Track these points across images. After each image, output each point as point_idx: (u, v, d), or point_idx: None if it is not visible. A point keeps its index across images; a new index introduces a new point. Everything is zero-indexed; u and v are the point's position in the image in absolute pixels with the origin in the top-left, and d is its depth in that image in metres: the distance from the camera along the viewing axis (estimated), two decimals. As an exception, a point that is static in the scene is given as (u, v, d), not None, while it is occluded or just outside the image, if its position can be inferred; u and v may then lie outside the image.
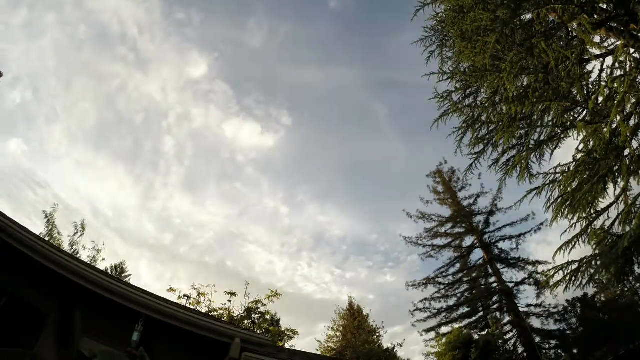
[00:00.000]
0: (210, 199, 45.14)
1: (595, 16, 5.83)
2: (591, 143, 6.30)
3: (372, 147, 40.64)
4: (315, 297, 41.81)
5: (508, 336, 20.21)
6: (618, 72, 5.99)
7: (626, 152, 5.92)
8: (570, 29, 6.17)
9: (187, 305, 18.60)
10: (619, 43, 5.83)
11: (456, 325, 20.57)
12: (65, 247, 20.15)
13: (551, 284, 6.93)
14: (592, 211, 6.45)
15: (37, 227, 19.91)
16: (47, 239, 17.73)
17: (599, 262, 6.11)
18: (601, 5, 5.89)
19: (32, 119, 36.70)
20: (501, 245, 21.19)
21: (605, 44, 6.07)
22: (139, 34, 36.37)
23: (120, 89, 38.92)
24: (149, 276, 37.92)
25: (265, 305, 22.16)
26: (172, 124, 41.89)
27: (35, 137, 38.03)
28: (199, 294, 21.39)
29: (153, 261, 41.61)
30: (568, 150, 6.61)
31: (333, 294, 44.90)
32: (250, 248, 45.27)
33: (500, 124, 6.81)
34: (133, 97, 39.03)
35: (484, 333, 20.11)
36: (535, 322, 19.73)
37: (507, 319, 20.27)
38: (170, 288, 21.08)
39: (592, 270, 6.24)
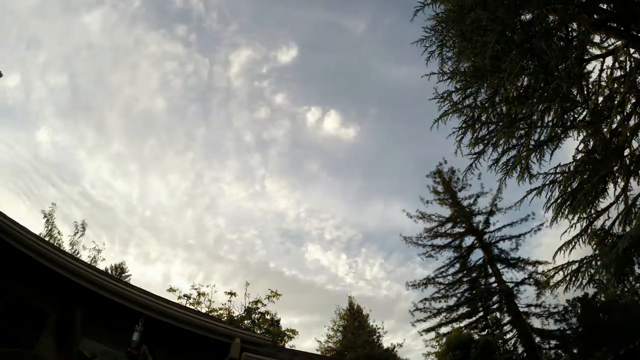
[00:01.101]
0: (267, 195, 43.74)
1: (595, 16, 5.83)
2: (591, 143, 6.30)
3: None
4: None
5: (508, 336, 20.23)
6: (618, 72, 6.00)
7: (626, 152, 5.93)
8: (570, 29, 6.17)
9: (187, 305, 18.61)
10: (619, 43, 5.84)
11: (456, 325, 20.59)
12: (66, 247, 20.16)
13: (551, 284, 6.93)
14: (592, 211, 6.45)
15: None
16: (46, 238, 17.73)
17: (599, 262, 6.10)
18: (601, 5, 5.89)
19: (65, 107, 34.49)
20: (501, 245, 21.21)
21: (605, 44, 6.07)
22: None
23: (182, 74, 37.19)
24: (179, 276, 37.53)
25: (265, 305, 22.19)
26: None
27: (70, 127, 35.80)
28: (199, 294, 21.42)
29: (187, 261, 40.87)
30: (568, 150, 6.61)
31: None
32: (310, 247, 45.03)
33: (500, 124, 6.80)
34: (190, 84, 37.30)
35: (484, 333, 20.11)
36: (535, 322, 19.77)
37: (507, 319, 20.28)
38: (170, 288, 21.12)
39: (592, 270, 6.24)
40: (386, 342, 26.07)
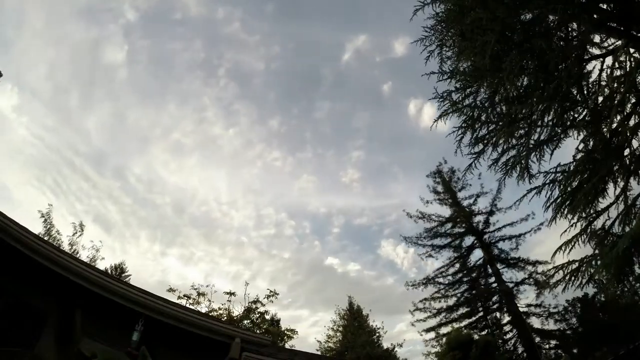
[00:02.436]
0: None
1: (595, 16, 5.83)
2: (591, 143, 6.30)
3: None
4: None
5: (508, 336, 20.22)
6: (618, 72, 6.00)
7: (626, 152, 5.92)
8: (570, 29, 6.16)
9: (187, 305, 18.60)
10: (619, 43, 5.84)
11: (456, 325, 20.59)
12: (65, 247, 20.16)
13: (551, 284, 6.92)
14: (592, 211, 6.45)
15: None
16: (45, 238, 17.73)
17: (599, 262, 6.10)
18: (601, 5, 5.89)
19: (116, 87, 31.51)
20: (501, 245, 21.21)
21: (605, 44, 6.06)
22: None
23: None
24: (223, 276, 35.89)
25: (264, 305, 22.19)
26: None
27: (120, 111, 32.45)
28: (198, 294, 21.41)
29: (235, 260, 39.95)
30: (568, 150, 6.61)
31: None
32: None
33: (500, 124, 6.80)
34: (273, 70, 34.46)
35: (484, 333, 20.11)
36: (535, 322, 19.78)
37: (507, 319, 20.28)
38: (170, 288, 21.11)
39: (592, 270, 6.23)
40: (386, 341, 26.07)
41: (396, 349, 24.45)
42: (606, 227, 6.37)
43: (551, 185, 6.71)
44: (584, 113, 6.30)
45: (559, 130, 6.50)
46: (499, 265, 20.79)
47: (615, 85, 5.87)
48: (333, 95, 37.57)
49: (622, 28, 5.71)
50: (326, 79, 37.41)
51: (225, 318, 20.57)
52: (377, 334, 25.65)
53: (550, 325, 19.60)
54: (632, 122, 5.75)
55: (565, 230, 6.70)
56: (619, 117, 5.78)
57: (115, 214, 37.24)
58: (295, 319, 40.72)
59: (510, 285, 20.10)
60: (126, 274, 25.52)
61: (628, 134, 5.69)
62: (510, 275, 20.47)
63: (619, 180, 6.07)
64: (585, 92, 6.16)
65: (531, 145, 6.62)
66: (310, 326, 43.94)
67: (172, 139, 36.05)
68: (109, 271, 23.32)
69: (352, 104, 38.16)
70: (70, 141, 31.80)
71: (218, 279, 40.25)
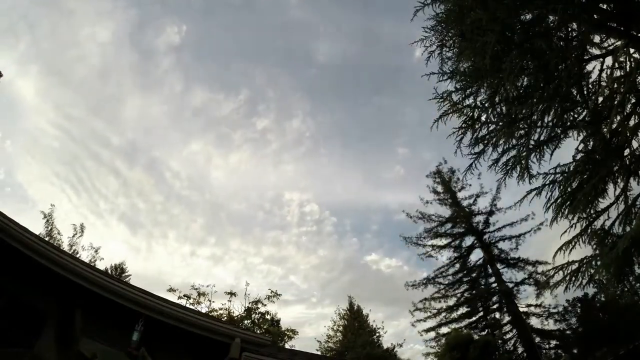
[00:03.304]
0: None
1: (595, 16, 5.83)
2: (591, 143, 6.30)
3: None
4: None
5: (508, 336, 20.21)
6: (618, 72, 6.00)
7: (626, 152, 5.92)
8: (570, 29, 6.16)
9: (187, 305, 18.60)
10: (619, 43, 5.84)
11: (456, 326, 20.58)
12: (65, 247, 20.17)
13: (551, 284, 6.93)
14: (592, 211, 6.45)
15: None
16: (46, 239, 17.73)
17: (599, 262, 6.10)
18: (601, 5, 5.89)
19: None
20: (501, 245, 21.19)
21: (605, 44, 6.06)
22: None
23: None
24: (254, 275, 35.74)
25: (265, 305, 22.20)
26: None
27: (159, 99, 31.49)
28: (198, 294, 21.42)
29: (270, 259, 39.17)
30: (568, 150, 6.61)
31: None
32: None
33: (500, 124, 6.80)
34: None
35: (483, 333, 20.11)
36: (535, 322, 19.75)
37: (507, 319, 20.26)
38: (170, 288, 21.12)
39: (592, 270, 6.23)
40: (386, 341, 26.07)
41: (396, 348, 24.48)
42: (606, 227, 6.37)
43: (551, 185, 6.71)
44: (584, 113, 6.30)
45: (559, 131, 6.50)
46: (499, 265, 20.78)
47: (615, 85, 5.87)
48: (383, 90, 36.65)
49: (622, 28, 5.71)
50: (376, 74, 36.32)
51: (226, 318, 20.57)
52: (377, 334, 25.68)
53: (550, 325, 19.60)
54: (632, 122, 5.75)
55: (566, 231, 6.71)
56: (619, 118, 5.77)
57: (145, 212, 36.69)
58: (322, 316, 40.57)
59: (510, 285, 20.09)
60: (126, 274, 25.54)
61: (628, 134, 5.69)
62: (510, 275, 20.47)
63: (619, 180, 6.07)
64: (585, 92, 6.16)
65: (531, 146, 6.62)
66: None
67: (217, 132, 35.14)
68: (109, 271, 23.33)
69: (402, 100, 36.85)
70: (100, 133, 30.55)
71: (249, 278, 39.80)
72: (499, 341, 19.72)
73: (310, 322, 41.16)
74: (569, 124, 6.43)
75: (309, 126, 37.70)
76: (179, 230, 38.43)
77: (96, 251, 21.92)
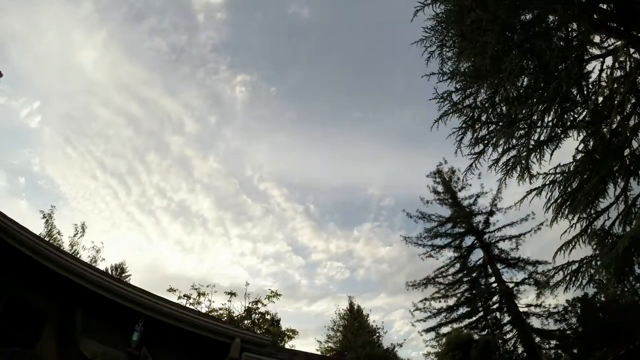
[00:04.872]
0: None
1: (595, 16, 5.83)
2: (591, 143, 6.29)
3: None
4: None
5: (508, 336, 20.21)
6: (618, 72, 6.00)
7: (626, 152, 5.92)
8: (570, 29, 6.16)
9: (187, 306, 18.59)
10: (619, 43, 5.83)
11: (456, 325, 20.58)
12: (66, 247, 20.15)
13: (551, 284, 6.92)
14: (592, 211, 6.44)
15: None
16: (46, 239, 17.73)
17: (599, 262, 6.10)
18: (601, 5, 5.89)
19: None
20: (501, 245, 21.18)
21: (605, 44, 6.06)
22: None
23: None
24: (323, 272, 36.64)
25: (265, 305, 22.18)
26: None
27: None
28: (199, 294, 21.40)
29: (340, 256, 40.09)
30: (568, 150, 6.60)
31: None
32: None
33: (500, 124, 6.80)
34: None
35: (484, 333, 20.10)
36: (535, 322, 19.72)
37: (507, 319, 20.26)
38: (170, 288, 21.10)
39: (592, 271, 6.23)
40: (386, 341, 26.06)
41: (396, 348, 24.47)
42: (606, 227, 6.37)
43: (551, 185, 6.71)
44: (584, 113, 6.29)
45: (559, 131, 6.50)
46: (499, 265, 20.76)
47: (615, 85, 5.87)
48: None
49: (622, 28, 5.71)
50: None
51: (226, 318, 20.57)
52: (377, 334, 25.67)
53: (550, 325, 19.58)
54: (632, 122, 5.75)
55: (566, 231, 6.71)
56: (619, 118, 5.77)
57: (210, 209, 37.39)
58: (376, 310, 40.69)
59: (510, 285, 20.07)
60: (126, 274, 25.54)
61: (628, 134, 5.69)
62: (510, 275, 20.46)
63: (619, 180, 6.07)
64: (585, 92, 6.16)
65: (531, 146, 6.62)
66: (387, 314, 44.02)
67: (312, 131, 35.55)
68: (109, 271, 23.34)
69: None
70: (172, 117, 31.41)
71: (316, 274, 40.51)
72: (499, 341, 19.72)
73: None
74: (569, 124, 6.42)
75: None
76: (246, 227, 39.61)
77: (98, 251, 21.88)
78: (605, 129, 6.00)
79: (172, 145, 39.58)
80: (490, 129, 6.98)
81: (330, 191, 41.87)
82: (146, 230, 41.11)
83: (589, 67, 6.14)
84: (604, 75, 6.05)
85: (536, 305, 19.66)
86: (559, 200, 6.64)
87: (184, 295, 20.98)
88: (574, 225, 6.61)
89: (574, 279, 6.45)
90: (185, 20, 35.95)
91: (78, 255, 19.70)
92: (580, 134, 6.32)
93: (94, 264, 19.71)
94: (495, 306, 20.87)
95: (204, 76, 37.53)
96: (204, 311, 19.60)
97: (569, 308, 19.38)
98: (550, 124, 6.48)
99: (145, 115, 38.43)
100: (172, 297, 19.65)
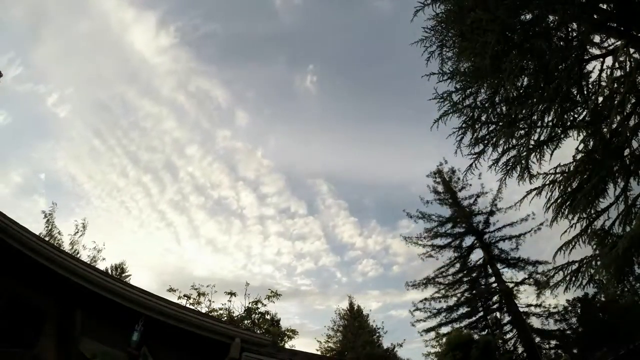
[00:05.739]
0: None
1: (595, 16, 5.83)
2: (591, 143, 6.30)
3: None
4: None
5: (508, 336, 20.22)
6: (618, 72, 6.00)
7: (626, 152, 5.92)
8: (570, 29, 6.16)
9: (187, 306, 18.59)
10: (619, 43, 5.83)
11: (456, 325, 20.58)
12: (66, 246, 20.12)
13: (551, 284, 6.93)
14: (592, 211, 6.45)
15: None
16: (46, 238, 17.72)
17: (599, 262, 6.10)
18: (601, 5, 5.89)
19: None
20: (501, 245, 21.18)
21: (605, 44, 6.06)
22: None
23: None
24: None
25: (265, 305, 22.18)
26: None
27: None
28: (198, 294, 21.40)
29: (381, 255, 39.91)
30: (568, 150, 6.61)
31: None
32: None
33: (500, 124, 6.80)
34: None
35: (484, 333, 20.11)
36: (535, 322, 19.75)
37: (507, 319, 20.27)
38: (170, 288, 21.10)
39: (592, 271, 6.24)
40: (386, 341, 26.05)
41: (396, 348, 24.47)
42: (606, 227, 6.37)
43: (551, 185, 6.71)
44: (584, 113, 6.30)
45: (559, 131, 6.50)
46: (499, 265, 20.78)
47: (615, 85, 5.87)
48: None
49: (622, 28, 5.71)
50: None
51: (226, 318, 20.57)
52: (377, 334, 25.67)
53: (550, 325, 19.61)
54: (632, 122, 5.75)
55: (566, 231, 6.71)
56: (619, 118, 5.78)
57: (251, 206, 37.41)
58: (405, 304, 41.13)
59: (510, 285, 20.08)
60: (126, 274, 25.52)
61: (628, 134, 5.69)
62: (510, 275, 20.48)
63: (619, 180, 6.07)
64: (585, 92, 6.16)
65: (531, 146, 6.62)
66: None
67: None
68: (109, 271, 23.32)
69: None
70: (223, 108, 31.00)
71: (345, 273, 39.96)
72: (499, 341, 19.72)
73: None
74: (569, 124, 6.42)
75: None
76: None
77: (99, 251, 21.81)
78: (605, 129, 6.00)
79: (218, 139, 38.70)
80: (490, 129, 6.98)
81: (376, 187, 41.45)
82: (177, 230, 40.58)
83: (589, 67, 6.14)
84: (604, 75, 6.05)
85: (536, 305, 19.69)
86: (559, 200, 6.65)
87: (184, 295, 20.99)
88: (574, 225, 6.61)
89: (574, 279, 6.45)
90: (249, 6, 34.24)
91: (78, 255, 19.68)
92: (580, 134, 6.32)
93: (94, 264, 19.69)
94: (495, 306, 20.88)
95: (261, 68, 36.25)
96: (204, 311, 19.60)
97: (569, 308, 19.40)
98: (550, 124, 6.48)
99: (192, 106, 37.39)
100: (172, 297, 19.66)
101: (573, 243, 6.63)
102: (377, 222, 44.03)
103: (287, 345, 21.76)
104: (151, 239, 37.69)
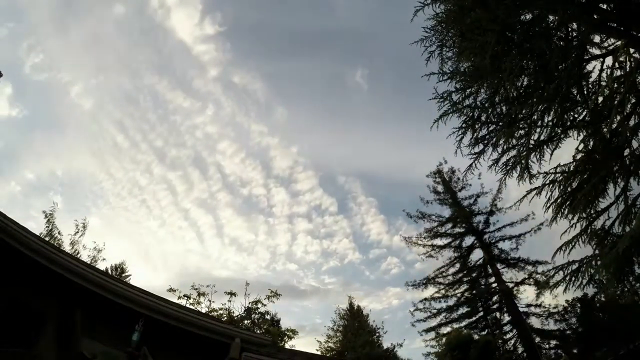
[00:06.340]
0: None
1: (595, 16, 5.82)
2: (591, 143, 6.30)
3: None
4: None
5: (508, 336, 20.21)
6: (618, 72, 5.99)
7: (626, 152, 5.92)
8: (570, 29, 6.16)
9: (187, 306, 18.59)
10: (619, 43, 5.83)
11: (456, 325, 20.58)
12: (66, 246, 20.12)
13: (551, 284, 6.92)
14: (592, 211, 6.45)
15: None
16: (47, 238, 17.71)
17: (599, 262, 6.10)
18: (601, 5, 5.89)
19: None
20: (501, 245, 21.19)
21: (605, 44, 6.06)
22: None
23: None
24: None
25: (265, 305, 22.19)
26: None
27: None
28: (198, 294, 21.40)
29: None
30: (568, 150, 6.61)
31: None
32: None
33: (500, 124, 6.80)
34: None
35: (484, 333, 20.11)
36: (535, 322, 19.73)
37: (507, 319, 20.26)
38: (170, 288, 21.11)
39: (592, 271, 6.23)
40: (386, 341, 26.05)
41: (396, 348, 24.47)
42: (606, 227, 6.37)
43: (551, 185, 6.71)
44: (584, 113, 6.29)
45: (559, 131, 6.50)
46: (499, 265, 20.76)
47: (615, 85, 5.87)
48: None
49: (622, 28, 5.70)
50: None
51: (226, 318, 20.57)
52: (377, 334, 25.68)
53: (550, 325, 19.60)
54: (632, 122, 5.75)
55: (566, 231, 6.71)
56: (619, 117, 5.77)
57: (281, 204, 36.66)
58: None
59: (510, 285, 20.08)
60: (126, 274, 25.51)
61: (628, 134, 5.69)
62: (510, 275, 20.47)
63: (619, 180, 6.07)
64: (585, 92, 6.16)
65: (531, 146, 6.62)
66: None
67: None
68: (109, 271, 23.32)
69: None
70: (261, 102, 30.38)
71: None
72: (499, 341, 19.71)
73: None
74: (569, 124, 6.42)
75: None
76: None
77: (99, 251, 21.79)
78: (605, 129, 6.00)
79: (253, 134, 37.16)
80: (490, 129, 6.98)
81: (407, 186, 40.55)
82: (201, 229, 39.81)
83: (589, 67, 6.14)
84: (604, 75, 6.04)
85: (536, 305, 19.69)
86: (559, 200, 6.64)
87: (184, 296, 21.00)
88: (574, 225, 6.61)
89: (574, 279, 6.45)
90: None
91: (78, 255, 19.68)
92: (580, 134, 6.32)
93: (94, 264, 19.68)
94: (495, 306, 20.87)
95: (305, 63, 34.05)
96: (204, 311, 19.60)
97: (569, 308, 19.38)
98: (550, 124, 6.48)
99: (228, 100, 35.78)
100: (172, 297, 19.66)
101: (573, 243, 6.62)
102: (403, 220, 43.97)
103: (287, 345, 21.77)
104: (172, 239, 37.08)
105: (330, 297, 38.52)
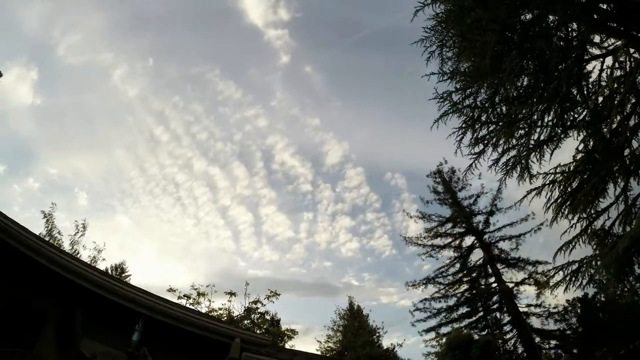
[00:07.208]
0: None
1: (595, 16, 5.83)
2: (591, 143, 6.30)
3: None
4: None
5: (508, 336, 20.20)
6: (618, 72, 5.99)
7: (626, 152, 5.92)
8: (570, 29, 6.16)
9: (187, 305, 18.58)
10: (619, 43, 5.83)
11: (456, 325, 20.58)
12: (66, 246, 20.10)
13: (551, 284, 6.93)
14: (592, 211, 6.45)
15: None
16: (46, 238, 17.70)
17: (599, 262, 6.10)
18: (601, 5, 5.89)
19: None
20: (501, 245, 21.18)
21: (605, 44, 6.06)
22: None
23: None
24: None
25: (264, 305, 22.18)
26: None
27: None
28: (198, 294, 21.39)
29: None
30: (568, 150, 6.61)
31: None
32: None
33: (500, 124, 6.80)
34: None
35: (484, 333, 20.10)
36: (535, 322, 19.73)
37: (507, 319, 20.26)
38: (170, 288, 21.09)
39: (592, 271, 6.23)
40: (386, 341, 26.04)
41: (396, 348, 24.47)
42: (606, 227, 6.37)
43: (551, 185, 6.71)
44: (584, 113, 6.29)
45: (559, 131, 6.50)
46: (499, 265, 20.76)
47: (615, 85, 5.87)
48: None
49: (622, 28, 5.71)
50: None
51: (226, 318, 20.56)
52: (377, 334, 25.66)
53: (550, 325, 19.59)
54: (632, 122, 5.75)
55: (566, 231, 6.71)
56: (619, 118, 5.78)
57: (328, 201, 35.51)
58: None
59: (510, 285, 20.09)
60: (126, 274, 25.50)
61: (628, 134, 5.69)
62: (510, 275, 20.47)
63: (619, 180, 6.07)
64: (585, 92, 6.16)
65: (531, 146, 6.62)
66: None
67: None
68: (109, 271, 23.31)
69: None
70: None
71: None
72: (499, 341, 19.70)
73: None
74: (569, 124, 6.42)
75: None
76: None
77: (99, 252, 21.76)
78: (605, 129, 6.01)
79: (307, 129, 35.83)
80: (490, 129, 6.97)
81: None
82: (238, 227, 38.68)
83: (589, 67, 6.14)
84: (604, 75, 6.05)
85: (536, 305, 19.70)
86: (559, 200, 6.64)
87: (184, 296, 20.98)
88: (574, 225, 6.61)
89: (574, 279, 6.45)
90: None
91: (78, 255, 19.67)
92: (580, 134, 6.32)
93: (94, 264, 19.67)
94: (495, 306, 20.87)
95: (371, 58, 32.86)
96: (203, 311, 19.59)
97: (569, 308, 19.38)
98: (550, 124, 6.48)
99: (284, 91, 34.05)
100: (172, 297, 19.65)
101: (573, 243, 6.62)
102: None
103: (287, 345, 21.76)
104: (206, 238, 35.66)
105: (362, 294, 37.85)
